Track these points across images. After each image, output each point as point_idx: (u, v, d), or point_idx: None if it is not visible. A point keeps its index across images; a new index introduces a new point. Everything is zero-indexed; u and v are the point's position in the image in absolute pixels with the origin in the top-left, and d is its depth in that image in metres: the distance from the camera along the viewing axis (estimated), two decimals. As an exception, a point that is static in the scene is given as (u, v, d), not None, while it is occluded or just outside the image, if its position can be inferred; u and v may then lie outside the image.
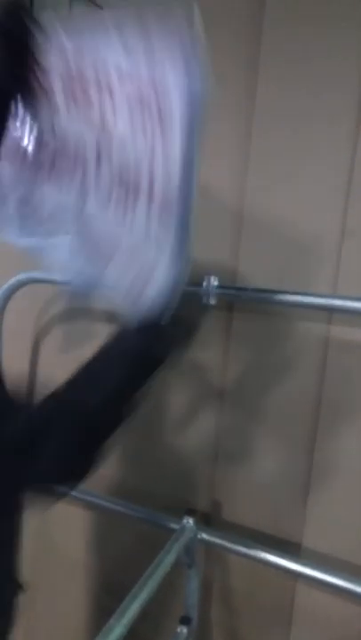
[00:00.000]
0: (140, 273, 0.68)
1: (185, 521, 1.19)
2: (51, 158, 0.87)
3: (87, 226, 0.80)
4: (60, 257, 0.84)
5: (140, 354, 0.65)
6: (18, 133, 0.90)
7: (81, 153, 0.83)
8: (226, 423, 1.32)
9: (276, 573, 1.24)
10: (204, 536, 1.23)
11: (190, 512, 1.20)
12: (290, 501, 1.26)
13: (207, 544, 1.26)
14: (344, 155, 1.08)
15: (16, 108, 0.86)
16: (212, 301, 1.12)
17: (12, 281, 1.33)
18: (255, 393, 1.27)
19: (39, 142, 0.88)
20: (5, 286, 1.34)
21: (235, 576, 1.37)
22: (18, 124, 0.89)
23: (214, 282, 1.13)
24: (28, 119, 0.88)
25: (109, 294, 0.73)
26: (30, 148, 0.90)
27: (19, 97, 0.83)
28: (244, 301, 1.21)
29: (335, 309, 1.10)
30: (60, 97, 0.82)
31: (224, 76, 1.12)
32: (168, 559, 1.04)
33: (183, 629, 1.23)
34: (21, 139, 0.92)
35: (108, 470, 1.42)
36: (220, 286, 1.15)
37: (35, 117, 0.86)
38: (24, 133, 0.90)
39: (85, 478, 0.65)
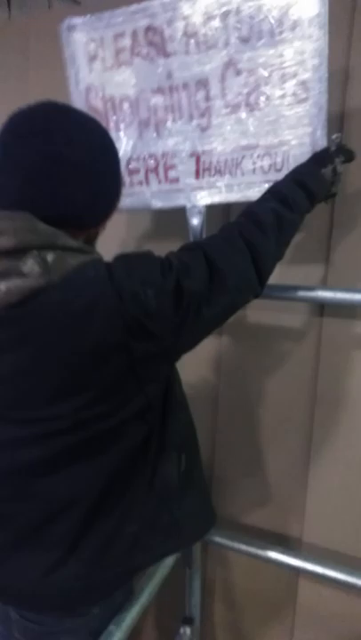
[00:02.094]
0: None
1: (183, 521, 1.17)
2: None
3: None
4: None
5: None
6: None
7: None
8: (222, 419, 1.31)
9: (278, 569, 1.23)
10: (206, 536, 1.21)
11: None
12: (289, 497, 1.25)
13: (207, 543, 1.25)
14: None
15: None
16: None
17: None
18: (250, 389, 1.25)
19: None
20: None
21: (236, 574, 1.35)
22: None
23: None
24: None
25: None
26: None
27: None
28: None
29: (326, 302, 1.09)
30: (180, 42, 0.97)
31: None
32: (167, 561, 1.02)
33: (186, 630, 1.22)
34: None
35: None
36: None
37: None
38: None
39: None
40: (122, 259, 0.75)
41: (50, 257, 0.69)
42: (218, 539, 1.22)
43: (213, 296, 0.75)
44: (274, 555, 1.16)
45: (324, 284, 1.11)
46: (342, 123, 1.05)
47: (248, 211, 0.84)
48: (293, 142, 0.93)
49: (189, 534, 0.95)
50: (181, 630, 1.22)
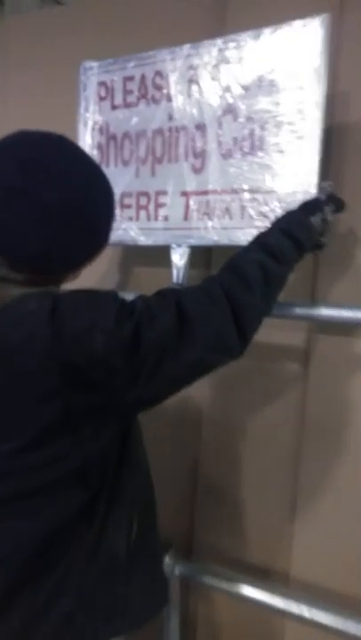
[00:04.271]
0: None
1: (160, 555, 1.09)
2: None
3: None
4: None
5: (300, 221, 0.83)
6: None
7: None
8: (206, 447, 1.24)
9: (264, 608, 1.15)
10: (182, 571, 1.13)
11: (166, 546, 1.11)
12: (276, 529, 1.17)
13: (188, 579, 1.16)
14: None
15: None
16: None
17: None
18: (236, 411, 1.19)
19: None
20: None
21: (220, 612, 1.26)
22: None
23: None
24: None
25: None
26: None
27: None
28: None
29: (314, 319, 1.02)
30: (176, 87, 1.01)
31: None
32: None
33: (164, 674, 1.13)
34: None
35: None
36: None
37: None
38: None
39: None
40: (75, 295, 0.67)
41: None
42: (197, 576, 1.14)
43: (179, 352, 0.66)
44: (259, 595, 1.08)
45: (313, 302, 1.06)
46: (335, 170, 1.01)
47: (232, 263, 0.77)
48: (284, 190, 0.92)
49: (136, 616, 0.81)
50: (159, 675, 1.13)
